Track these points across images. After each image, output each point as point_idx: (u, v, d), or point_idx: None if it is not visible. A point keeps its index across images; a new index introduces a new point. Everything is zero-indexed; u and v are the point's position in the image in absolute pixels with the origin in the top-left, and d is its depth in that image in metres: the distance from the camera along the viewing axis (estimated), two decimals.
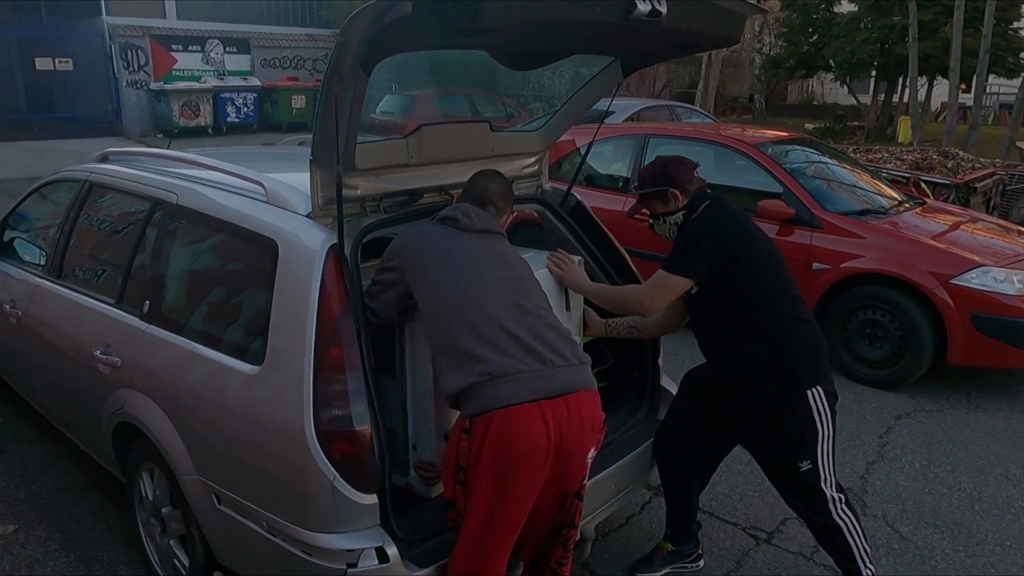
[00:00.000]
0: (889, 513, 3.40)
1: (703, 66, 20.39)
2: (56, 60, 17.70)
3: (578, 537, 2.24)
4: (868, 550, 2.63)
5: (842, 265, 4.71)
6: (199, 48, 19.57)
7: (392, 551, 2.03)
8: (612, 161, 6.01)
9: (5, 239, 3.87)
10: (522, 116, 12.61)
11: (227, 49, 20.04)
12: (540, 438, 1.90)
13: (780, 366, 2.47)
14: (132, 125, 18.57)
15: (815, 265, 4.79)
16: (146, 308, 2.64)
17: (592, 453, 2.10)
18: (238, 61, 20.19)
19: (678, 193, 2.58)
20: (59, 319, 3.13)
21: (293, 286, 2.17)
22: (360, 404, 2.04)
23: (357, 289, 2.20)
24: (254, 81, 19.54)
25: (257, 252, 2.32)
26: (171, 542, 2.65)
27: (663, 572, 2.93)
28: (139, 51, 18.64)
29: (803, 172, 5.27)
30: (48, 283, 3.25)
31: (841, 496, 2.61)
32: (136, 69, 18.68)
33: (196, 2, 19.90)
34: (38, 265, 3.44)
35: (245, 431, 2.22)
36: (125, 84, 18.56)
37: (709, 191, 2.64)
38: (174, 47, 19.21)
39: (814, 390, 2.47)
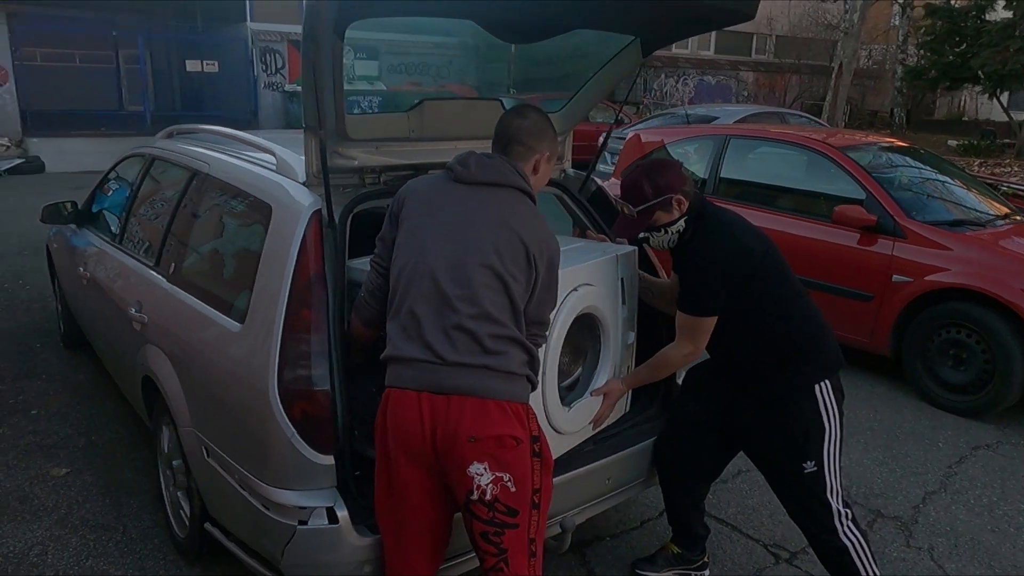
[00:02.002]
0: (937, 547, 3.08)
1: (832, 76, 19.38)
2: (204, 63, 19.18)
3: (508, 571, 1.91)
4: (878, 574, 2.42)
5: (926, 278, 4.32)
6: (365, 56, 20.63)
7: (343, 513, 2.04)
8: (691, 163, 5.81)
9: (93, 210, 4.22)
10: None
11: (357, 55, 21.04)
12: (414, 428, 1.82)
13: (788, 360, 2.38)
14: (267, 123, 19.84)
15: (895, 277, 4.42)
16: (171, 270, 2.80)
17: (477, 467, 1.81)
18: (367, 66, 21.12)
19: (682, 198, 2.35)
20: (111, 280, 3.38)
21: (277, 247, 2.24)
22: (322, 366, 2.07)
23: (340, 256, 2.23)
24: (380, 85, 20.37)
25: (257, 216, 2.41)
26: (179, 493, 2.78)
27: (665, 573, 2.79)
28: (277, 55, 19.92)
29: (891, 178, 4.90)
30: (109, 247, 3.51)
31: (848, 512, 2.43)
32: (273, 72, 19.96)
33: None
34: (106, 232, 3.72)
35: (226, 386, 2.30)
36: (263, 86, 19.88)
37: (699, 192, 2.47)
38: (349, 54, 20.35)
39: (822, 384, 2.36)
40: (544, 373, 2.28)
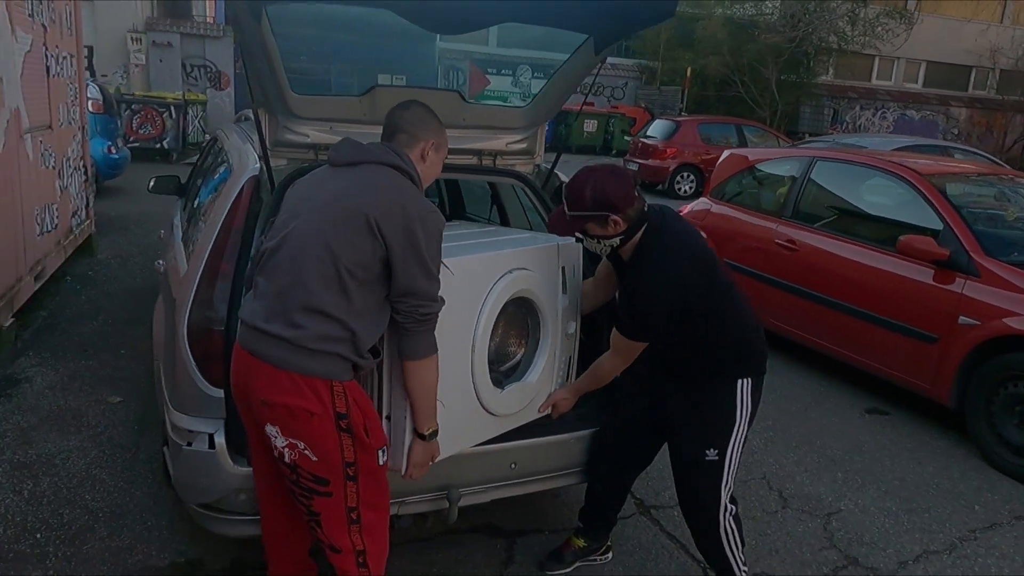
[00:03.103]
0: None
1: None
2: (393, 76, 20.79)
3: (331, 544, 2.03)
4: (744, 558, 2.54)
5: (994, 322, 3.84)
6: (511, 72, 21.58)
7: (220, 441, 2.28)
8: (776, 184, 5.54)
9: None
10: None
11: (535, 74, 21.83)
12: (238, 379, 2.01)
13: (719, 359, 2.44)
14: None
15: (962, 319, 3.97)
16: (185, 229, 3.23)
17: (271, 429, 1.92)
18: (500, 81, 21.85)
19: (619, 219, 2.27)
20: (174, 240, 3.89)
21: (220, 204, 2.56)
22: (222, 310, 2.33)
23: (268, 218, 2.48)
24: (516, 102, 21.02)
25: (225, 179, 2.75)
26: None
27: (574, 567, 2.79)
28: (459, 72, 21.18)
29: (981, 212, 4.39)
30: (180, 213, 4.05)
31: (733, 508, 2.50)
32: (455, 88, 21.23)
33: (515, 32, 21.95)
34: (182, 210, 4.28)
35: (171, 322, 2.63)
36: None
37: (647, 209, 2.36)
38: (489, 70, 21.45)
39: (743, 380, 2.43)
40: (474, 352, 2.35)
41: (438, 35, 21.22)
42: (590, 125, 20.67)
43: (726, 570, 2.54)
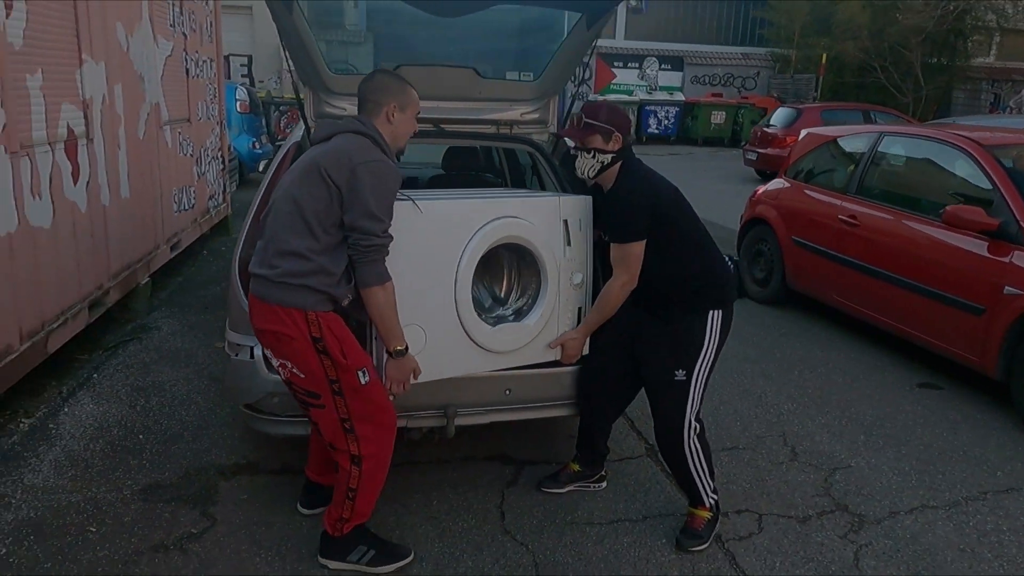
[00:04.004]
0: (875, 547, 2.89)
1: None
2: (520, 74, 21.45)
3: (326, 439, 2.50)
4: (713, 484, 2.84)
5: None
6: (637, 65, 21.62)
7: (258, 353, 2.81)
8: (845, 161, 5.50)
9: None
10: None
11: (662, 66, 21.74)
12: (248, 317, 2.50)
13: (695, 289, 2.76)
14: None
15: (1007, 289, 3.89)
16: None
17: (267, 352, 2.44)
18: (670, 77, 21.74)
19: (621, 137, 2.72)
20: None
21: (273, 165, 3.12)
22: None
23: None
24: (679, 96, 20.80)
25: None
26: None
27: (567, 489, 3.14)
28: (585, 67, 21.40)
29: None
30: None
31: (698, 427, 2.78)
32: (580, 82, 21.48)
33: (642, 25, 21.96)
34: None
35: (231, 257, 3.23)
36: (570, 96, 21.52)
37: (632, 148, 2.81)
38: (615, 64, 21.58)
39: (715, 312, 2.75)
40: (456, 287, 2.72)
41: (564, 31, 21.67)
42: (718, 116, 20.32)
43: (692, 487, 2.83)
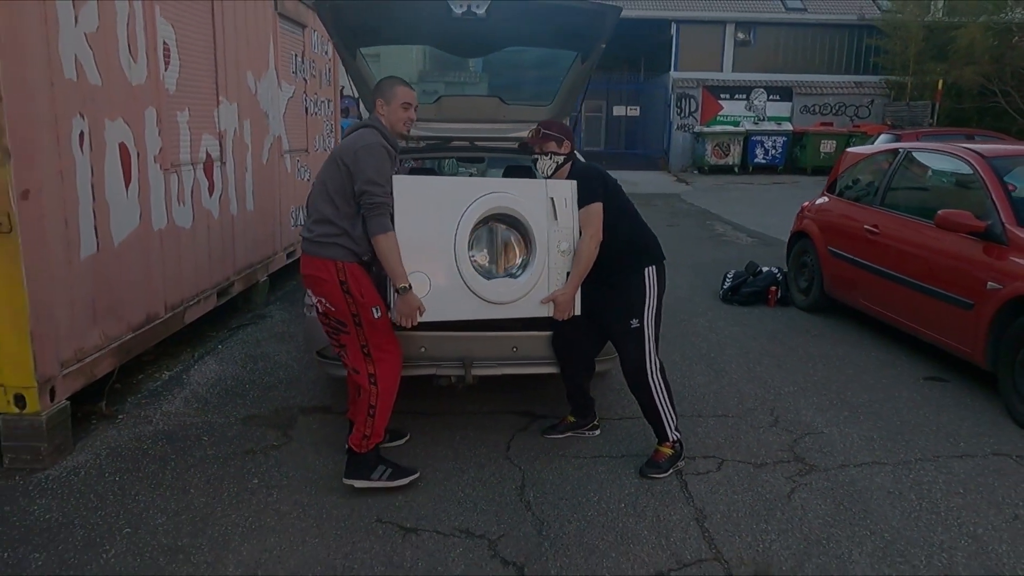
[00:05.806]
0: (813, 496, 3.42)
1: None
2: (627, 108, 22.23)
3: (345, 356, 3.29)
4: (675, 419, 3.49)
5: (1017, 283, 4.12)
6: (744, 96, 21.84)
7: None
8: (875, 175, 5.91)
9: None
10: None
11: (770, 97, 21.83)
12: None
13: (632, 254, 3.49)
14: (675, 161, 21.95)
15: (990, 284, 4.27)
16: None
17: (309, 293, 3.32)
18: (778, 108, 21.77)
19: (569, 144, 3.55)
20: None
21: None
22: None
23: None
24: (787, 126, 20.83)
25: None
26: None
27: (565, 435, 3.89)
28: (691, 99, 21.91)
29: None
30: None
31: (659, 363, 3.45)
32: (687, 115, 21.99)
33: (750, 57, 22.20)
34: None
35: None
36: (676, 128, 22.06)
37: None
38: (722, 96, 21.90)
39: (649, 268, 3.49)
40: (455, 244, 3.32)
41: (672, 68, 22.28)
42: (827, 145, 20.18)
43: (658, 421, 3.49)
